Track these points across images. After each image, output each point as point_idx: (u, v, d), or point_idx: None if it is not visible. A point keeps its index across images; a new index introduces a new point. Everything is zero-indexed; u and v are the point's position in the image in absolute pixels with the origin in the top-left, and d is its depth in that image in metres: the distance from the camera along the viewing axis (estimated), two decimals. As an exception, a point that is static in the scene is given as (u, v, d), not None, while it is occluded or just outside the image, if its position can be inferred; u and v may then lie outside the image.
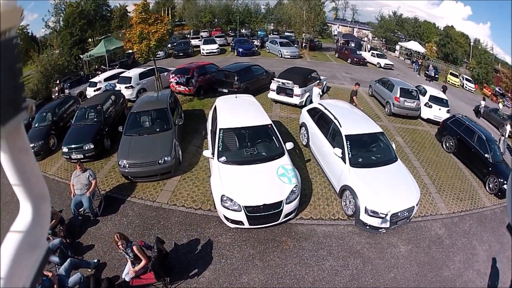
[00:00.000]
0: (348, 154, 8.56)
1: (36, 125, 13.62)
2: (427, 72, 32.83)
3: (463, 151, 12.82)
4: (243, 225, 7.49)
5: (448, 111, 16.34)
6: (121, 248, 6.10)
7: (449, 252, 7.81)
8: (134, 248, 6.14)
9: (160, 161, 9.54)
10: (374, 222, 7.58)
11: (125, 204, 9.18)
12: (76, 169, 8.51)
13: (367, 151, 9.24)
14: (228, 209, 7.39)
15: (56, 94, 20.40)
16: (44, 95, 23.13)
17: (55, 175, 11.32)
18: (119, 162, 9.66)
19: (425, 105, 16.69)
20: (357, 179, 8.07)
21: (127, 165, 9.54)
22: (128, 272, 6.28)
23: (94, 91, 18.64)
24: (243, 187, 7.60)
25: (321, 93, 13.76)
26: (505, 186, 9.92)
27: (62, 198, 9.81)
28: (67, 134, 12.09)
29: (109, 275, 6.92)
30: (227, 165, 8.17)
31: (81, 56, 28.56)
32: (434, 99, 16.92)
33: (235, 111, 10.32)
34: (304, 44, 38.20)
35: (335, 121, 9.53)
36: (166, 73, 18.62)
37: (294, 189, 7.73)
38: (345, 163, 8.51)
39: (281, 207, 7.46)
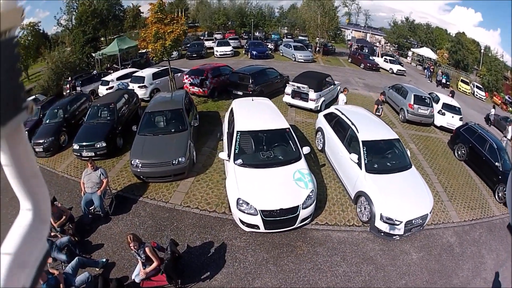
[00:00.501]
0: (364, 160, 8.49)
1: (47, 121, 13.56)
2: (438, 79, 32.73)
3: (474, 159, 12.68)
4: (259, 229, 7.36)
5: (460, 119, 16.25)
6: (133, 249, 5.90)
7: (458, 260, 7.80)
8: (147, 249, 5.96)
9: (174, 162, 9.37)
10: (389, 229, 7.53)
11: (137, 204, 9.01)
12: (87, 167, 8.35)
13: (383, 157, 9.18)
14: (244, 212, 7.26)
15: (68, 91, 20.48)
16: (55, 92, 23.12)
17: (64, 172, 11.22)
18: (132, 162, 9.51)
19: (438, 112, 16.62)
20: (373, 186, 8.00)
21: (140, 165, 9.39)
22: (138, 273, 6.10)
23: (107, 89, 18.57)
24: (259, 190, 7.48)
25: (345, 100, 13.46)
26: None
27: (71, 196, 9.70)
28: (79, 132, 11.99)
29: (117, 275, 6.77)
30: (243, 168, 8.06)
31: (93, 55, 28.60)
32: (447, 107, 16.83)
33: (252, 114, 10.20)
34: (317, 49, 37.92)
35: (352, 126, 9.46)
36: (179, 74, 18.53)
37: (311, 194, 7.63)
38: (361, 169, 8.43)
39: (298, 212, 7.35)
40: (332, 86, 16.98)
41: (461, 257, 7.89)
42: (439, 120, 16.54)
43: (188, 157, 9.71)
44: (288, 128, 9.34)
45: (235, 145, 8.50)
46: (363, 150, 8.61)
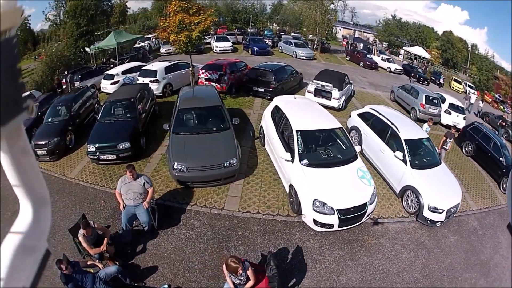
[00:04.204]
0: (408, 157, 9.08)
1: (49, 119, 11.94)
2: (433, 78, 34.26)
3: (480, 155, 13.84)
4: (332, 228, 7.38)
5: (464, 118, 17.31)
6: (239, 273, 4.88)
7: (482, 240, 8.81)
8: (250, 270, 4.98)
9: (225, 164, 8.46)
10: (434, 217, 8.32)
11: (186, 214, 7.93)
12: (125, 175, 6.88)
13: (420, 154, 9.79)
14: (320, 213, 7.20)
15: (64, 86, 19.13)
16: (49, 87, 21.54)
17: (79, 178, 9.72)
18: (175, 165, 8.36)
19: (445, 111, 17.50)
20: (420, 180, 8.67)
21: (186, 169, 8.30)
22: None
23: (111, 84, 17.25)
24: (333, 190, 7.46)
25: (428, 130, 12.88)
26: None
27: (94, 208, 8.32)
28: (94, 131, 10.55)
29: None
30: (311, 168, 7.86)
31: (87, 50, 26.95)
32: (453, 107, 17.82)
33: (303, 112, 9.86)
34: (315, 46, 37.35)
35: (392, 126, 9.97)
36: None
37: (374, 190, 7.84)
38: (406, 165, 9.02)
39: (366, 208, 7.52)
40: (349, 85, 17.46)
41: (483, 238, 8.92)
42: (445, 119, 17.39)
43: (239, 158, 8.82)
44: (342, 127, 9.32)
45: (298, 145, 8.20)
46: (406, 148, 9.17)
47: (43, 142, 10.76)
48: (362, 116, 11.72)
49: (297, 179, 7.78)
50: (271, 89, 15.32)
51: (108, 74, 18.20)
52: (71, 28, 27.04)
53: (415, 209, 8.64)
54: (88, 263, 5.90)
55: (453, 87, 36.44)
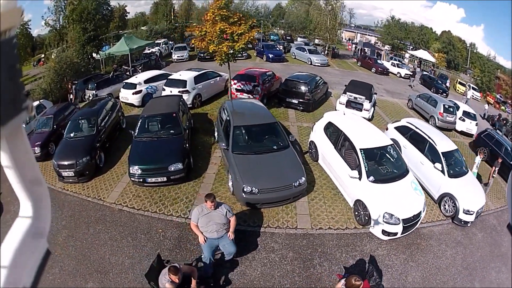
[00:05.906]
0: (446, 167, 10.01)
1: (72, 135, 10.93)
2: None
3: (493, 160, 14.24)
4: (396, 235, 8.11)
5: (476, 124, 18.47)
6: None
7: (501, 235, 9.77)
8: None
9: (295, 184, 8.40)
10: (467, 218, 9.34)
11: (261, 236, 7.79)
12: (203, 205, 6.18)
13: (452, 164, 10.57)
14: (388, 223, 7.92)
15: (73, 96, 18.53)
16: (58, 96, 20.60)
17: (121, 203, 8.91)
18: (245, 188, 8.08)
19: (459, 119, 18.45)
20: (456, 187, 9.71)
21: (257, 191, 8.07)
22: None
23: (133, 94, 16.23)
24: (398, 202, 8.16)
25: (479, 162, 12.80)
26: None
27: (152, 239, 7.63)
28: (133, 150, 9.74)
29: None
30: (377, 184, 8.50)
31: (95, 56, 26.21)
32: (466, 114, 18.87)
33: (360, 130, 10.23)
34: (326, 52, 37.11)
35: (430, 140, 10.86)
36: (218, 78, 16.78)
37: (425, 200, 8.83)
38: (444, 175, 9.96)
39: (420, 216, 8.44)
40: (375, 95, 17.80)
41: (502, 233, 9.87)
42: (460, 126, 18.48)
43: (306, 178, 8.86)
44: (393, 144, 10.04)
45: (364, 163, 8.74)
46: (444, 160, 10.09)
47: (69, 162, 9.79)
48: (399, 129, 12.40)
49: (366, 195, 8.41)
50: (305, 101, 15.46)
51: (128, 83, 16.91)
52: (78, 33, 26.05)
53: (451, 212, 9.66)
54: None
55: (458, 90, 36.66)
